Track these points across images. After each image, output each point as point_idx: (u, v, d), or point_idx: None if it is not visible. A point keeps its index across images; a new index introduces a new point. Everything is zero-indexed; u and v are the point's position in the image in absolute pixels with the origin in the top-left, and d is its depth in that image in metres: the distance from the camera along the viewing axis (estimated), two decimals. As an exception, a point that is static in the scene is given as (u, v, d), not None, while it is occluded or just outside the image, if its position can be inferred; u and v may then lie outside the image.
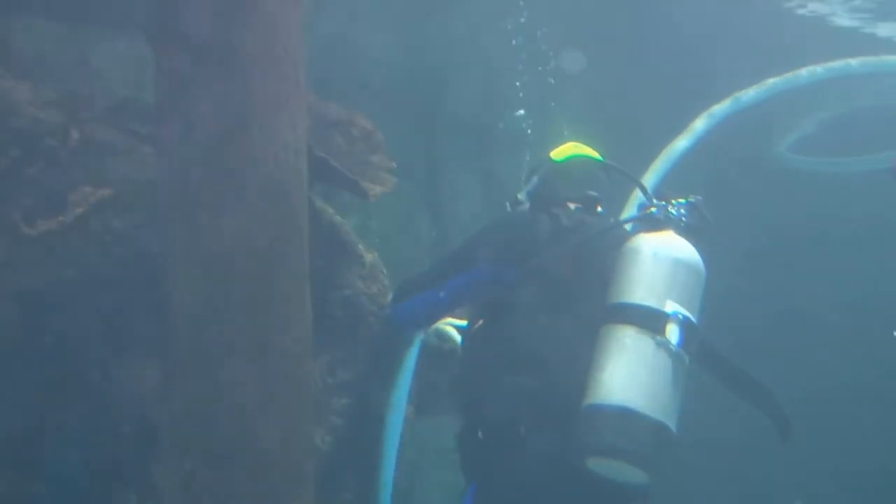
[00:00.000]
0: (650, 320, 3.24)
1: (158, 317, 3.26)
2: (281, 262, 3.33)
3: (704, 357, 3.47)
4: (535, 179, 4.03)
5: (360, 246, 4.50)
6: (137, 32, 4.07)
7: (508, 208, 4.13)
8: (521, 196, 4.06)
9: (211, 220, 3.21)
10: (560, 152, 4.00)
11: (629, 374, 3.17)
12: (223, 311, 3.21)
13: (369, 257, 4.49)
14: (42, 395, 3.66)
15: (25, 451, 3.66)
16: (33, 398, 3.65)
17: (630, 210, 5.23)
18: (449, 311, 4.10)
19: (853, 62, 6.99)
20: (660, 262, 3.33)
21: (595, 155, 4.00)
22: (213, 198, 3.22)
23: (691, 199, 3.61)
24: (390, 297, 4.28)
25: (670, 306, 3.26)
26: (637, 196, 5.36)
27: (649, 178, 5.60)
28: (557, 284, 3.53)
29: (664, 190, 3.69)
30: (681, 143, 6.04)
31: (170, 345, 3.26)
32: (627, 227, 3.69)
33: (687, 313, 3.28)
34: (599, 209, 3.96)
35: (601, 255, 3.52)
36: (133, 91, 4.27)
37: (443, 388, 4.30)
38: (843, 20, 8.38)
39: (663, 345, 3.21)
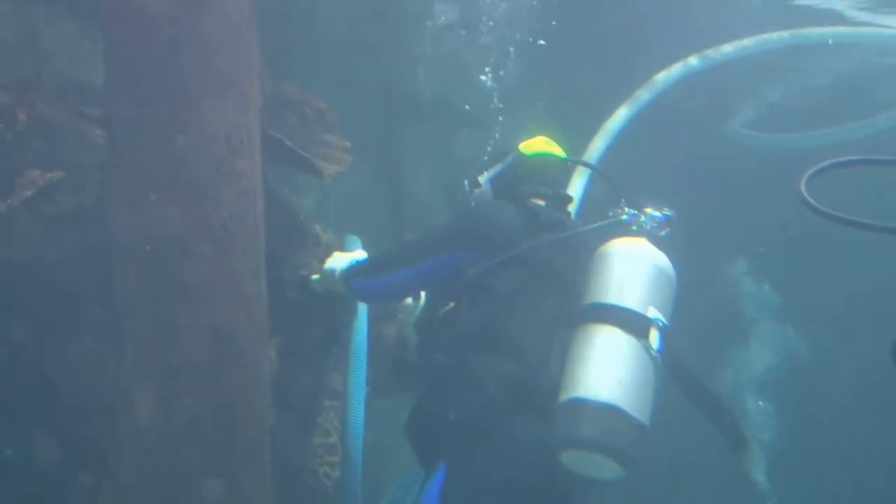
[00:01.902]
0: (636, 324, 3.30)
1: (111, 302, 3.24)
2: (234, 244, 3.31)
3: (671, 364, 3.51)
4: (499, 167, 4.05)
5: (317, 226, 4.48)
6: (87, 12, 4.03)
7: (466, 187, 4.13)
8: (481, 179, 4.08)
9: (160, 203, 3.19)
10: (529, 146, 4.00)
11: (616, 373, 3.22)
12: (175, 295, 3.19)
13: (325, 237, 4.47)
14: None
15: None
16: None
17: (574, 189, 5.34)
18: (416, 292, 4.08)
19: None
20: (642, 267, 3.40)
21: (563, 155, 4.03)
22: (163, 179, 3.20)
23: (667, 212, 3.66)
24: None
25: (652, 312, 3.33)
26: (580, 179, 5.48)
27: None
28: (535, 276, 3.55)
29: (640, 198, 3.73)
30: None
31: (123, 330, 3.23)
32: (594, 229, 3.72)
33: (665, 321, 3.36)
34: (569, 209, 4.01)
35: (574, 255, 3.58)
36: (83, 73, 4.21)
37: (395, 368, 4.30)
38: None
39: (647, 349, 3.28)
